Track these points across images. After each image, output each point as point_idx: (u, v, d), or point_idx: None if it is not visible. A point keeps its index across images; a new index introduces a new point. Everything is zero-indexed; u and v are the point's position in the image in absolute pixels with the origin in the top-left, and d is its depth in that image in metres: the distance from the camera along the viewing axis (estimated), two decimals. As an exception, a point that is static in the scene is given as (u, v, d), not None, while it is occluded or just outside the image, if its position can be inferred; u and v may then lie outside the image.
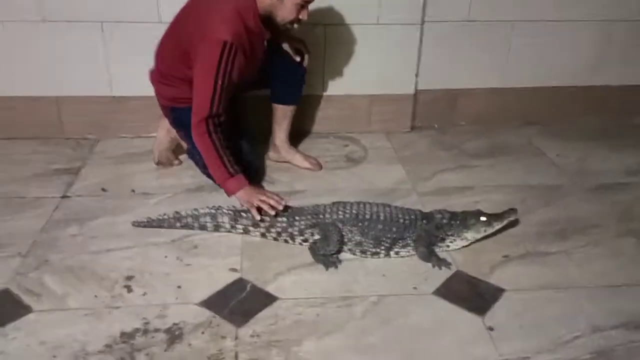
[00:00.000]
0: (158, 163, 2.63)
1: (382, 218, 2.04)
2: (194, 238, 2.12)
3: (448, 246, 2.10)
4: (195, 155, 2.44)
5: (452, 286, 1.93)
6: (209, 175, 2.36)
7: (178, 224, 2.15)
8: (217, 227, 2.14)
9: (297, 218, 2.07)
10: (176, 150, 2.67)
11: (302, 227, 2.07)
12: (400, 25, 2.86)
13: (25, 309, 1.74)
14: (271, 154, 2.71)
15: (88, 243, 2.08)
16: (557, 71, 3.17)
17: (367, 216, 2.04)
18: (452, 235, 2.08)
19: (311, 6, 2.39)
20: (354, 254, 2.06)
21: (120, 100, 2.83)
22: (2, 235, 2.10)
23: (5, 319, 1.70)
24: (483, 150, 2.92)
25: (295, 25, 2.28)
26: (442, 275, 1.98)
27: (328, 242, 2.01)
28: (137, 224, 2.17)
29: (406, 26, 2.88)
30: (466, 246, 2.11)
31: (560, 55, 3.13)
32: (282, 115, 2.64)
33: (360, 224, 2.03)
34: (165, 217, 2.16)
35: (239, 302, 1.81)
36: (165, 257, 2.01)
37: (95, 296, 1.81)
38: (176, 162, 2.65)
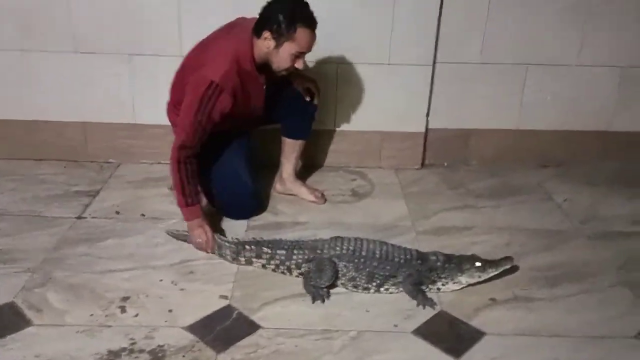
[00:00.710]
0: (171, 188, 2.77)
1: (377, 255, 2.10)
2: (191, 264, 2.23)
3: (439, 288, 2.14)
4: (202, 181, 2.57)
5: (433, 326, 1.96)
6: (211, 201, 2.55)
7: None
8: (221, 256, 2.25)
9: (295, 252, 2.15)
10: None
11: (300, 261, 2.15)
12: (411, 65, 2.95)
13: (26, 323, 1.88)
14: (277, 186, 2.81)
15: (94, 263, 2.21)
16: (574, 115, 3.18)
17: (364, 253, 2.10)
18: (444, 278, 2.12)
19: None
20: (345, 288, 2.12)
21: (141, 127, 3.00)
22: (17, 251, 2.26)
23: (5, 331, 1.83)
24: (490, 191, 2.93)
25: (302, 67, 2.36)
26: (425, 314, 2.01)
27: (321, 275, 2.08)
28: (170, 233, 2.37)
29: (417, 67, 2.96)
30: (458, 290, 2.14)
31: (577, 99, 3.14)
32: (291, 150, 2.74)
33: (356, 261, 2.09)
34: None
35: (223, 329, 1.90)
36: (161, 280, 2.12)
37: (91, 314, 1.93)
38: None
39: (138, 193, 2.77)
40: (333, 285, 2.12)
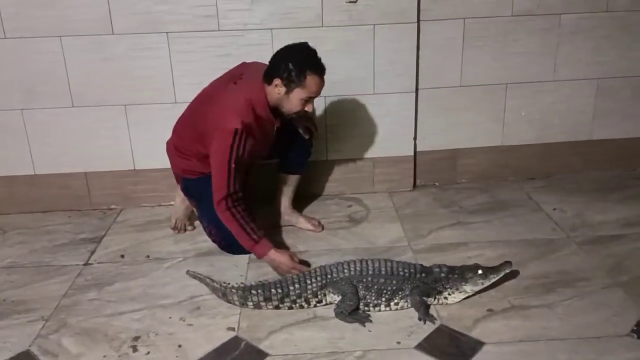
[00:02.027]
0: (174, 228, 2.87)
1: (383, 272, 2.20)
2: (198, 299, 2.31)
3: (446, 298, 2.24)
4: (203, 222, 2.69)
5: (434, 340, 2.03)
6: (214, 242, 2.62)
7: (209, 288, 2.34)
8: (229, 302, 2.27)
9: (307, 282, 2.22)
10: (191, 217, 2.90)
11: (315, 288, 2.22)
12: (395, 93, 3.08)
13: (43, 369, 1.96)
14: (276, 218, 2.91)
15: (104, 306, 2.29)
16: (555, 128, 3.30)
17: (370, 271, 2.20)
18: (450, 287, 2.22)
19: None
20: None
21: (141, 172, 3.11)
22: (30, 300, 2.34)
23: (23, 378, 1.91)
24: (482, 207, 3.03)
25: (311, 110, 2.52)
26: (425, 330, 2.09)
27: (349, 298, 2.15)
28: (191, 273, 2.41)
29: (401, 94, 3.09)
30: (465, 299, 2.23)
31: (557, 112, 3.27)
32: (288, 184, 2.87)
33: (364, 280, 2.19)
34: (205, 278, 2.35)
35: (232, 359, 1.97)
36: (170, 317, 2.20)
37: (104, 356, 2.00)
38: (190, 227, 2.88)
39: (141, 236, 2.86)
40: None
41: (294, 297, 2.21)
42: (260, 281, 2.25)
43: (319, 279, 2.22)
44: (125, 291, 2.39)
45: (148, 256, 2.66)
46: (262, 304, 2.21)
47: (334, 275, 2.21)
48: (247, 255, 2.61)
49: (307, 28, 2.89)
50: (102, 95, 2.97)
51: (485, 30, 3.06)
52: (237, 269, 2.53)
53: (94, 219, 3.05)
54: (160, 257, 2.65)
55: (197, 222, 2.88)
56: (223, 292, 2.27)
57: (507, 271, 2.25)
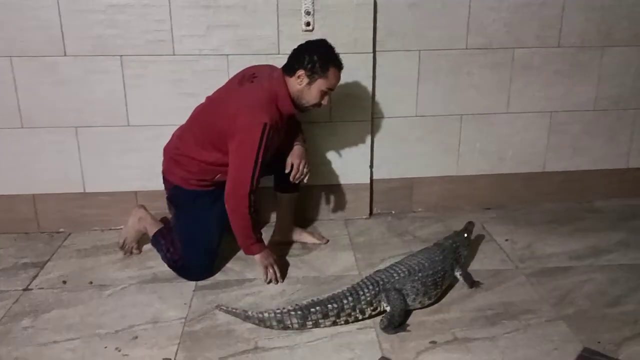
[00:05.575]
0: (121, 248, 2.80)
1: (426, 264, 2.34)
2: (136, 328, 2.24)
3: (461, 261, 2.57)
4: (159, 244, 2.65)
5: (375, 373, 2.00)
6: (168, 263, 2.60)
7: (249, 321, 2.26)
8: (285, 328, 2.22)
9: (360, 293, 2.23)
10: (140, 241, 2.84)
11: (369, 298, 2.23)
12: (352, 122, 3.09)
13: (-36, 401, 1.86)
14: (277, 237, 2.94)
15: (37, 335, 2.21)
16: (509, 159, 3.34)
17: (416, 268, 2.31)
18: (461, 253, 2.56)
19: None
20: (422, 306, 2.33)
21: (91, 196, 3.04)
22: (-39, 328, 2.25)
23: (-59, 411, 1.82)
24: (435, 236, 2.99)
25: (327, 103, 2.59)
26: (367, 362, 2.06)
27: (399, 314, 2.22)
28: (223, 309, 2.33)
29: (357, 123, 3.10)
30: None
31: (510, 144, 3.31)
32: (290, 203, 2.91)
33: (416, 278, 2.28)
34: (239, 311, 2.28)
35: (166, 392, 1.91)
36: (105, 347, 2.13)
37: (32, 387, 1.93)
38: (136, 251, 2.82)
39: (87, 261, 2.78)
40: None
41: (349, 311, 2.21)
42: (312, 300, 2.26)
43: (370, 287, 2.24)
44: (62, 319, 2.31)
45: (91, 282, 2.58)
46: (321, 320, 2.20)
47: (385, 281, 2.27)
48: (192, 283, 2.56)
49: (264, 55, 2.90)
50: (53, 117, 2.91)
51: (440, 63, 3.10)
52: (182, 296, 2.47)
53: (40, 243, 2.96)
54: (104, 283, 2.58)
55: (144, 247, 2.83)
56: (279, 319, 2.20)
57: (471, 229, 2.67)
